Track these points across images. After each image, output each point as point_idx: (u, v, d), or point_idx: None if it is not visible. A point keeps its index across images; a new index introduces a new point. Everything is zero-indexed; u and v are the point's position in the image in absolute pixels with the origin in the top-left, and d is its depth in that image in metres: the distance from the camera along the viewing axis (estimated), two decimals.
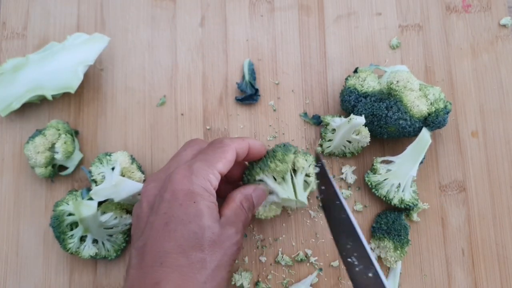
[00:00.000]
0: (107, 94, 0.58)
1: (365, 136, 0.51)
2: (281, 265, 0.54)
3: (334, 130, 0.53)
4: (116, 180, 0.49)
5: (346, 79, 0.54)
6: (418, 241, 0.54)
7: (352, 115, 0.50)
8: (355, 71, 0.55)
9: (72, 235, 0.50)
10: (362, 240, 0.42)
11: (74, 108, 0.57)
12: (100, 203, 0.51)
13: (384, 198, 0.52)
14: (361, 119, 0.49)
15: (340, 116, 0.54)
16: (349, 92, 0.52)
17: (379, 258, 0.54)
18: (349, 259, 0.42)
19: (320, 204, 0.54)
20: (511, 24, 0.59)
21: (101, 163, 0.51)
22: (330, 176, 0.47)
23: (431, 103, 0.51)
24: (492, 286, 0.54)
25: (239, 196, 0.44)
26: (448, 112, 0.51)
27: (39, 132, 0.53)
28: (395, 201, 0.51)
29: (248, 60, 0.58)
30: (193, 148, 0.45)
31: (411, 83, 0.50)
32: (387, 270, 0.54)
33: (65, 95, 0.57)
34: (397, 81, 0.50)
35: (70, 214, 0.50)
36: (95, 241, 0.51)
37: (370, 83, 0.52)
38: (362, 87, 0.52)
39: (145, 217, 0.41)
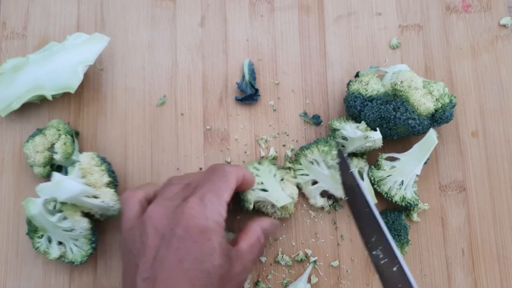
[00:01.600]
0: (107, 94, 0.58)
1: (378, 142, 0.51)
2: (281, 265, 0.54)
3: (344, 138, 0.52)
4: (57, 178, 0.47)
5: (348, 84, 0.54)
6: (418, 241, 0.54)
7: (369, 132, 0.49)
8: (357, 75, 0.55)
9: (42, 235, 0.50)
10: (386, 234, 0.42)
11: (74, 108, 0.57)
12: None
13: (386, 195, 0.52)
14: (378, 136, 0.49)
15: (344, 119, 0.54)
16: (354, 97, 0.52)
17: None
18: (374, 252, 0.42)
19: (344, 197, 0.52)
20: (511, 24, 0.59)
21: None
22: (353, 169, 0.48)
23: (436, 99, 0.51)
24: (492, 286, 0.54)
25: (258, 230, 0.44)
26: (454, 106, 0.51)
27: (39, 131, 0.53)
28: (397, 198, 0.51)
29: (248, 60, 0.58)
30: (180, 186, 0.44)
31: (415, 82, 0.50)
32: None
33: (65, 95, 0.57)
34: (401, 82, 0.50)
35: None
36: (61, 244, 0.51)
37: (374, 86, 0.52)
38: (366, 91, 0.52)
39: (153, 247, 0.40)
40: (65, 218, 0.49)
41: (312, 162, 0.52)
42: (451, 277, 0.54)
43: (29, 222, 0.49)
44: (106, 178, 0.51)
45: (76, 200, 0.48)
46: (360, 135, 0.50)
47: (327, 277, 0.53)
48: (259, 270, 0.54)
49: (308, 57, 0.59)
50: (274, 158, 0.55)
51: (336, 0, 0.60)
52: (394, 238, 0.51)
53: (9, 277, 0.53)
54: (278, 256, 0.54)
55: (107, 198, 0.50)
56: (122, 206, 0.44)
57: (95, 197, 0.49)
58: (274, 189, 0.51)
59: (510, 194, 0.55)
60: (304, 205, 0.55)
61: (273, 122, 0.57)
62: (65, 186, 0.47)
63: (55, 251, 0.50)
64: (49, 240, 0.51)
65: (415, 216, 0.54)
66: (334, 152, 0.51)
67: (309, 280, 0.53)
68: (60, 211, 0.49)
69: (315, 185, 0.53)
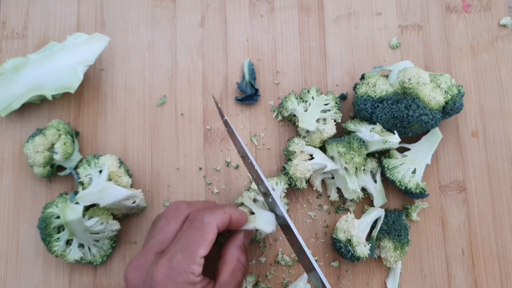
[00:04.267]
0: (107, 94, 0.58)
1: (395, 144, 0.51)
2: (281, 265, 0.54)
3: (362, 141, 0.52)
4: (102, 185, 0.48)
5: (355, 87, 0.54)
6: (418, 241, 0.54)
7: (387, 137, 0.50)
8: (362, 77, 0.55)
9: (58, 238, 0.50)
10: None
11: (74, 108, 0.57)
12: (88, 208, 0.50)
13: (399, 183, 0.52)
14: (397, 139, 0.49)
15: (358, 121, 0.54)
16: (364, 100, 0.52)
17: (379, 258, 0.54)
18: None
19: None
20: (511, 24, 0.59)
21: (89, 165, 0.51)
22: (236, 133, 0.46)
23: (445, 92, 0.51)
24: (492, 286, 0.54)
25: (234, 252, 0.44)
26: (463, 96, 0.51)
27: (39, 131, 0.53)
28: (411, 185, 0.51)
29: (248, 60, 0.58)
30: (177, 221, 0.43)
31: (422, 78, 0.50)
32: (387, 270, 0.54)
33: (65, 95, 0.57)
34: (409, 79, 0.49)
35: (58, 217, 0.50)
36: (81, 245, 0.51)
37: (382, 87, 0.52)
38: (375, 92, 0.52)
39: None
40: (101, 222, 0.50)
41: (332, 157, 0.53)
42: (451, 277, 0.54)
43: (45, 227, 0.49)
44: (128, 179, 0.52)
45: (114, 205, 0.49)
46: (378, 139, 0.50)
47: (327, 277, 0.53)
48: (259, 271, 0.54)
49: (308, 57, 0.59)
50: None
51: (336, 0, 0.60)
52: (394, 238, 0.51)
53: (9, 277, 0.53)
54: (278, 256, 0.54)
55: (138, 199, 0.52)
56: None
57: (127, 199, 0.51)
58: (311, 114, 0.53)
59: (510, 194, 0.55)
60: (304, 205, 0.55)
61: (273, 122, 0.57)
62: (111, 192, 0.48)
63: (76, 254, 0.50)
64: (67, 243, 0.51)
65: (414, 216, 0.54)
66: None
67: (309, 280, 0.53)
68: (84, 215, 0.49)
69: (332, 180, 0.54)
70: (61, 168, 0.55)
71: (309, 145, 0.54)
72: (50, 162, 0.53)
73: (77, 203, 0.49)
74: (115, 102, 0.58)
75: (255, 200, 0.51)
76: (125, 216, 0.54)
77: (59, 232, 0.51)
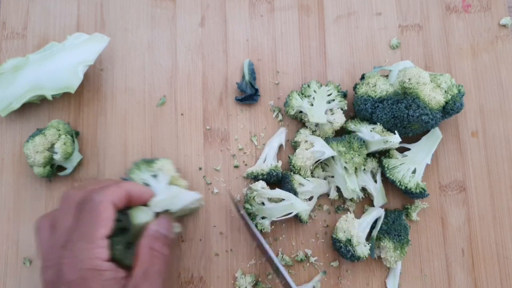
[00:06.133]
0: (107, 94, 0.58)
1: (396, 144, 0.51)
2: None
3: (362, 141, 0.52)
4: (175, 192, 0.48)
5: (355, 87, 0.54)
6: (418, 241, 0.54)
7: (388, 137, 0.50)
8: (362, 77, 0.55)
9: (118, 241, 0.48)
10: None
11: (74, 108, 0.57)
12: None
13: (399, 183, 0.52)
14: (398, 139, 0.49)
15: (359, 120, 0.54)
16: (364, 100, 0.52)
17: (379, 258, 0.54)
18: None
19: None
20: (511, 24, 0.59)
21: (139, 170, 0.50)
22: (252, 224, 0.50)
23: (445, 91, 0.51)
24: (492, 286, 0.54)
25: (145, 243, 0.42)
26: (463, 96, 0.51)
27: (39, 131, 0.53)
28: (411, 185, 0.51)
29: (248, 60, 0.58)
30: (72, 208, 0.41)
31: (422, 78, 0.50)
32: (387, 270, 0.54)
33: (65, 95, 0.57)
34: (409, 79, 0.49)
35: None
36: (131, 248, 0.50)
37: (382, 87, 0.52)
38: (375, 92, 0.52)
39: None
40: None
41: (332, 157, 0.53)
42: (451, 277, 0.54)
43: None
44: (185, 182, 0.52)
45: (183, 210, 0.49)
46: (379, 139, 0.50)
47: (327, 277, 0.53)
48: (259, 270, 0.54)
49: (308, 57, 0.59)
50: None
51: (336, 0, 0.60)
52: (394, 238, 0.51)
53: (9, 277, 0.53)
54: (278, 256, 0.54)
55: (201, 201, 0.53)
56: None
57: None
58: (318, 108, 0.53)
59: (510, 194, 0.55)
60: None
61: (273, 121, 0.57)
62: (182, 197, 0.48)
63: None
64: (127, 247, 0.49)
65: (414, 216, 0.54)
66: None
67: None
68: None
69: (332, 178, 0.54)
70: (61, 168, 0.55)
71: (319, 136, 0.54)
72: (50, 162, 0.53)
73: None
74: (115, 102, 0.58)
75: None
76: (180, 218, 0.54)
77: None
